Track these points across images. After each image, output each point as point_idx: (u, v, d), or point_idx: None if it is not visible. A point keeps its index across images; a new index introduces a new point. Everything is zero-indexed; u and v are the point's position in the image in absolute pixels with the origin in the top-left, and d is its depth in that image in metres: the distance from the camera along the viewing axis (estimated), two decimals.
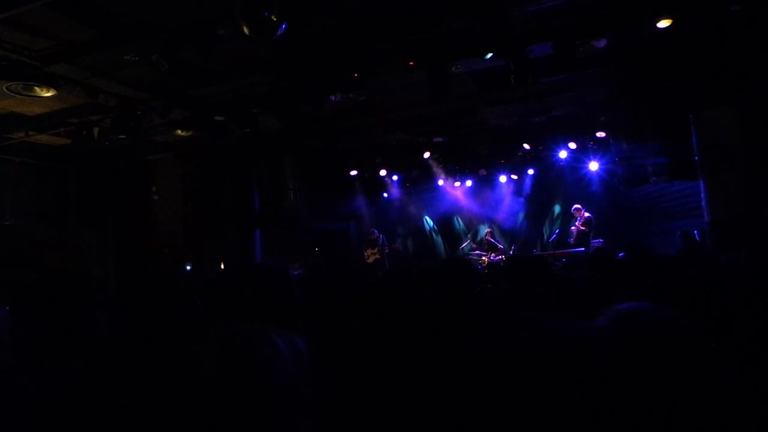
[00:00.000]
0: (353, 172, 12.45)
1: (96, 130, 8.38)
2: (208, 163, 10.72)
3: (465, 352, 0.75)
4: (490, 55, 5.92)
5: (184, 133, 9.09)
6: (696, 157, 8.23)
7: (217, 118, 8.14)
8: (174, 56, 6.13)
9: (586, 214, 10.50)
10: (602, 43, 6.20)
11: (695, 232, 8.54)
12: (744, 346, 1.41)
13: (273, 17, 5.12)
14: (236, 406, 0.87)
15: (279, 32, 5.22)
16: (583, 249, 9.94)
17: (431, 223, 13.91)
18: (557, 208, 12.41)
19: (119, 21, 5.63)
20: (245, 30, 5.15)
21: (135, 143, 8.90)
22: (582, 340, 0.71)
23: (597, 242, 10.09)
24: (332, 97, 7.36)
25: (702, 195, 8.43)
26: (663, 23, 5.83)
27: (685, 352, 0.82)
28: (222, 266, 10.10)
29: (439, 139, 11.26)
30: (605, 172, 11.25)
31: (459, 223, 13.68)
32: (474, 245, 12.00)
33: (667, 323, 0.85)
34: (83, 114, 8.02)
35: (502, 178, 12.67)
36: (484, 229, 12.27)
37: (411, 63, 6.60)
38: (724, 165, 7.94)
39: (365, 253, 11.98)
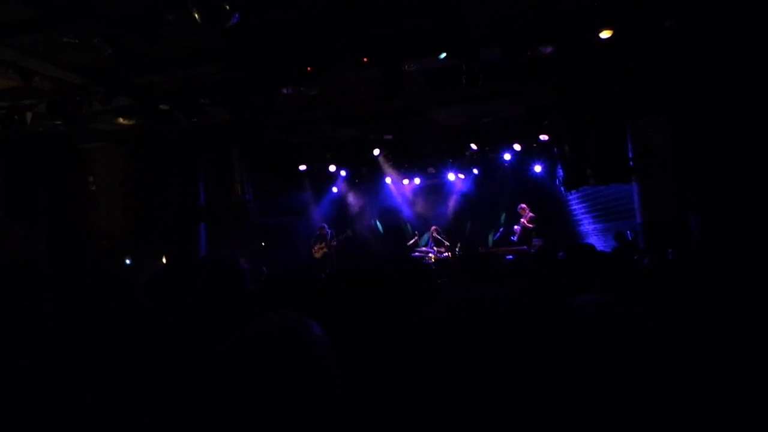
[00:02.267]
0: (302, 167, 12.34)
1: (29, 115, 7.89)
2: (151, 154, 10.31)
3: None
4: (444, 55, 6.04)
5: (126, 122, 8.71)
6: (630, 162, 8.73)
7: (162, 107, 7.85)
8: (118, 41, 5.87)
9: (530, 214, 10.92)
10: (548, 49, 6.47)
11: (628, 232, 9.06)
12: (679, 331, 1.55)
13: (226, 6, 5.01)
14: (290, 389, 0.90)
15: (232, 22, 5.12)
16: (525, 247, 10.32)
17: (379, 218, 14.03)
18: (501, 207, 12.81)
19: (60, 1, 5.33)
20: (196, 17, 5.01)
21: (72, 130, 8.44)
22: (554, 325, 0.78)
23: (537, 241, 10.51)
24: (284, 90, 7.28)
25: (635, 197, 8.96)
26: (604, 34, 6.15)
27: (640, 335, 0.90)
28: (164, 260, 9.77)
29: (389, 137, 11.35)
30: (547, 174, 11.74)
31: (407, 220, 13.85)
32: (421, 243, 12.18)
33: (624, 313, 0.94)
34: (15, 98, 7.53)
35: (450, 177, 12.94)
36: (431, 227, 12.49)
37: (365, 59, 6.63)
38: (655, 170, 8.47)
39: (313, 248, 11.91)
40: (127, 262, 9.95)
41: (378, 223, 14.00)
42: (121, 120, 8.64)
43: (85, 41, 5.76)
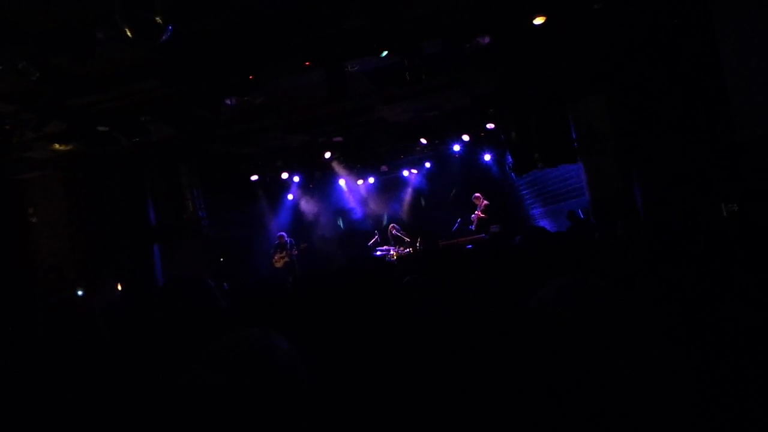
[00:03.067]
0: (254, 177, 12.14)
1: None
2: (94, 178, 9.90)
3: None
4: (385, 53, 6.07)
5: (63, 147, 8.30)
6: (575, 143, 9.04)
7: (100, 128, 7.55)
8: (46, 63, 5.60)
9: (485, 202, 11.13)
10: (486, 39, 6.60)
11: (579, 210, 9.38)
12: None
13: (158, 19, 4.86)
14: (256, 406, 0.88)
15: (165, 35, 4.97)
16: (483, 235, 10.51)
17: (338, 221, 13.98)
18: (456, 198, 13.00)
19: None
20: (128, 33, 4.83)
21: (5, 161, 8.00)
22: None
23: (494, 227, 10.73)
24: (228, 101, 7.13)
25: (582, 176, 9.29)
26: (538, 20, 6.33)
27: (619, 311, 0.94)
28: (119, 287, 9.41)
29: (339, 139, 11.31)
30: (496, 162, 12.00)
31: (365, 220, 13.86)
32: (381, 240, 12.21)
33: (601, 289, 0.97)
34: None
35: (404, 173, 13.03)
36: (388, 225, 12.54)
37: (307, 63, 6.59)
38: (598, 148, 8.80)
39: (273, 258, 11.74)
40: (79, 293, 9.52)
41: (341, 221, 13.95)
42: (57, 146, 8.24)
43: (8, 66, 5.47)
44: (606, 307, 1.03)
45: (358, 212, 13.88)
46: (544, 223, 10.46)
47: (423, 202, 13.46)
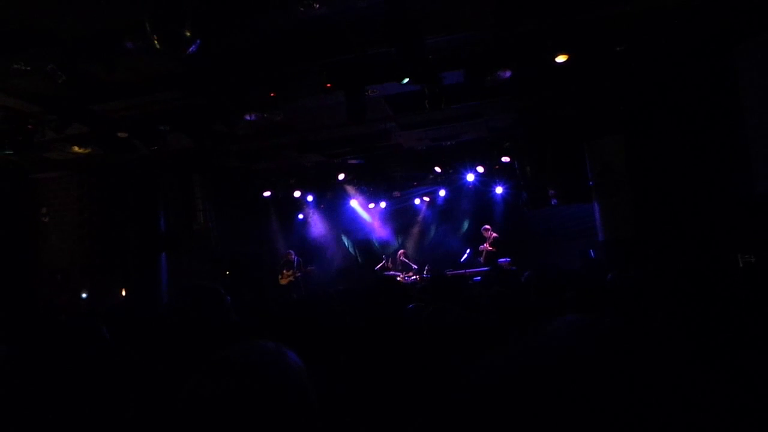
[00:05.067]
0: (267, 193, 12.19)
1: None
2: (108, 182, 9.99)
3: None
4: (406, 80, 6.12)
5: (81, 150, 8.42)
6: (590, 182, 8.99)
7: (120, 134, 7.64)
8: (74, 67, 5.70)
9: (494, 234, 11.06)
10: (507, 73, 6.64)
11: (591, 250, 9.27)
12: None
13: (187, 33, 4.94)
14: (261, 418, 0.86)
15: (193, 49, 5.05)
16: (491, 268, 10.40)
17: (348, 243, 13.94)
18: (466, 229, 12.94)
19: (9, 27, 5.15)
20: (156, 44, 4.92)
21: (24, 160, 8.12)
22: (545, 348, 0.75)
23: (503, 260, 10.62)
24: (247, 117, 7.21)
25: (596, 216, 9.20)
26: (560, 58, 6.37)
27: (631, 354, 0.90)
28: (123, 293, 9.40)
29: (354, 161, 11.37)
30: (510, 195, 11.96)
31: (374, 243, 13.82)
32: (389, 265, 12.14)
33: (616, 331, 0.93)
34: None
35: (416, 201, 13.03)
36: (398, 250, 12.48)
37: (328, 85, 6.65)
38: (614, 189, 8.74)
39: (280, 275, 11.70)
40: (84, 295, 9.52)
41: (347, 241, 13.90)
42: (76, 149, 8.35)
43: (37, 68, 5.58)
44: (617, 349, 0.98)
45: (367, 235, 13.84)
46: (555, 260, 10.34)
47: (433, 231, 13.40)
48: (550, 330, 0.99)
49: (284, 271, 11.70)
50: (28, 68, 5.67)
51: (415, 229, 13.57)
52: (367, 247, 13.78)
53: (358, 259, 13.76)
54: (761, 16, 5.78)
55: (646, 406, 0.82)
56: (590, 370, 0.89)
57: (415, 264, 11.72)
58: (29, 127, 7.14)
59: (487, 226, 11.21)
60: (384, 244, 13.65)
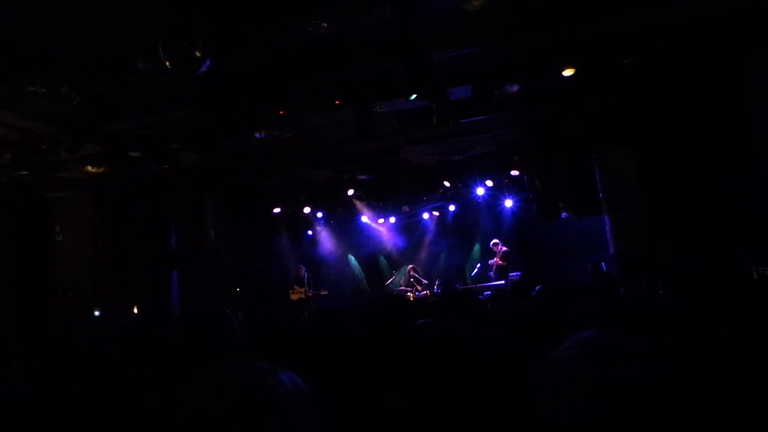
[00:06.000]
0: (276, 210, 12.25)
1: None
2: (120, 201, 10.11)
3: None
4: (414, 96, 6.16)
5: (94, 170, 8.55)
6: (601, 194, 8.94)
7: (132, 153, 7.75)
8: (86, 89, 5.82)
9: (503, 248, 11.00)
10: (515, 87, 6.66)
11: (602, 263, 9.18)
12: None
13: (197, 53, 5.03)
14: None
15: (203, 68, 5.13)
16: (503, 282, 10.34)
17: (355, 260, 13.92)
18: (477, 243, 12.89)
19: (25, 51, 5.27)
20: (167, 65, 5.00)
21: (39, 180, 8.24)
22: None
23: (514, 275, 10.56)
24: (257, 134, 7.28)
25: (607, 229, 9.13)
26: (567, 72, 6.38)
27: (650, 371, 0.89)
28: (135, 310, 9.44)
29: (363, 177, 11.41)
30: (520, 208, 11.91)
31: (384, 259, 13.79)
32: (400, 281, 12.10)
33: (632, 348, 0.92)
34: None
35: (425, 215, 13.01)
36: (408, 265, 12.44)
37: (337, 102, 6.71)
38: (624, 201, 8.68)
39: (291, 290, 11.70)
40: (96, 313, 9.58)
41: (355, 258, 13.89)
42: (89, 168, 8.48)
43: (51, 90, 5.69)
44: (632, 365, 0.97)
45: (376, 251, 13.82)
46: (567, 274, 10.25)
47: (443, 246, 13.35)
48: (562, 349, 0.98)
49: (295, 287, 11.70)
50: (44, 90, 5.79)
51: (425, 244, 13.53)
52: (376, 264, 13.76)
53: (367, 275, 13.72)
54: None
55: (666, 416, 0.81)
56: (601, 387, 0.88)
57: (425, 279, 11.67)
58: (44, 147, 7.27)
59: (497, 240, 11.17)
60: (394, 259, 13.62)
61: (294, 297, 11.62)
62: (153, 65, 5.19)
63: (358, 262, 13.91)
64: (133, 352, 2.77)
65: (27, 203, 9.92)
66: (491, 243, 11.23)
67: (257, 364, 0.97)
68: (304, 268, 11.92)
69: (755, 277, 5.91)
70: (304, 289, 11.58)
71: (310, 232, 13.59)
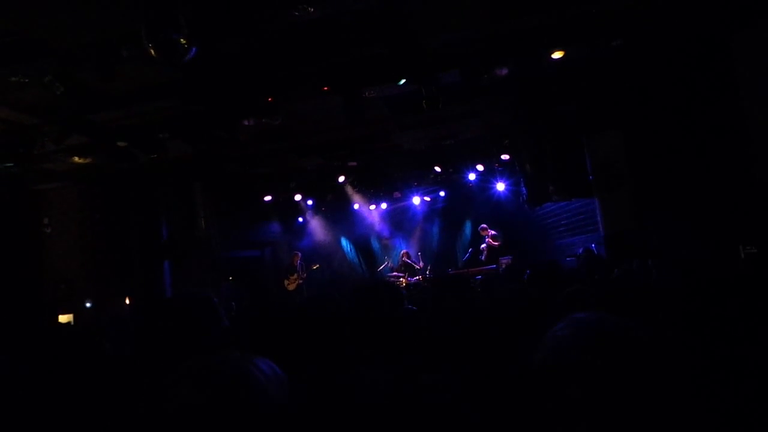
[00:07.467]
0: (267, 198, 12.21)
1: None
2: (109, 192, 10.02)
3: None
4: (403, 81, 6.12)
5: (81, 160, 8.45)
6: (590, 177, 8.97)
7: (119, 143, 7.67)
8: (70, 78, 5.73)
9: (492, 232, 11.06)
10: (504, 71, 6.64)
11: (593, 245, 9.25)
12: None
13: (182, 40, 4.95)
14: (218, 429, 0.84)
15: (189, 56, 5.06)
16: (494, 266, 10.40)
17: (349, 246, 13.94)
18: (468, 228, 12.94)
19: (6, 40, 5.17)
20: (152, 53, 4.93)
21: (24, 172, 8.14)
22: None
23: (505, 259, 10.62)
24: (245, 122, 7.22)
25: (597, 211, 9.19)
26: (556, 54, 6.37)
27: (643, 351, 0.90)
28: (127, 301, 9.42)
29: (354, 163, 11.37)
30: (511, 192, 11.94)
31: (376, 245, 13.82)
32: (392, 267, 12.14)
33: (625, 328, 0.93)
34: None
35: (416, 200, 13.02)
36: (400, 251, 12.48)
37: (325, 88, 6.66)
38: (614, 183, 8.72)
39: (287, 280, 11.71)
40: (87, 305, 9.54)
41: (348, 244, 13.92)
42: (76, 159, 8.39)
43: (34, 80, 5.60)
44: (626, 346, 0.98)
45: (369, 237, 13.84)
46: (557, 257, 10.32)
47: (435, 231, 13.40)
48: (555, 330, 0.99)
49: (290, 276, 11.71)
50: (26, 80, 5.69)
51: (417, 230, 13.57)
52: (368, 249, 13.79)
53: (360, 261, 13.76)
54: (758, 5, 5.77)
55: (652, 400, 0.82)
56: (595, 368, 0.89)
57: (418, 265, 11.72)
58: (29, 138, 7.17)
59: (484, 225, 11.24)
60: (386, 245, 13.66)
61: (291, 287, 11.63)
62: (138, 53, 5.11)
63: (351, 248, 13.94)
64: (127, 344, 2.77)
65: (14, 196, 9.81)
66: (479, 228, 11.30)
67: (232, 353, 0.97)
68: (300, 255, 11.92)
69: (742, 257, 5.98)
70: (297, 274, 11.59)
71: (301, 219, 13.57)
